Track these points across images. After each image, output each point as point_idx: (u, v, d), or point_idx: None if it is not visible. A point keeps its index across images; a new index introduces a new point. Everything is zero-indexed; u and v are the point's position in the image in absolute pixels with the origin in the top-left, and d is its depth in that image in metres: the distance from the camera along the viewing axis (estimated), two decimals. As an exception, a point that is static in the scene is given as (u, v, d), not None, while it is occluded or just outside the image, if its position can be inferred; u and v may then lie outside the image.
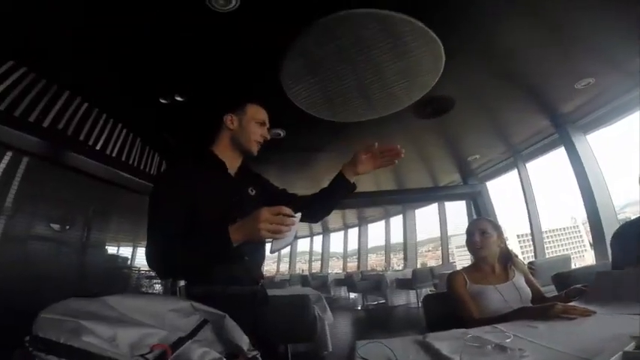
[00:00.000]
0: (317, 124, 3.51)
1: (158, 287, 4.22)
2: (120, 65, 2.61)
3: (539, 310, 1.19)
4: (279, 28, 2.29)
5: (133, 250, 4.11)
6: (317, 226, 11.32)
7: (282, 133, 3.90)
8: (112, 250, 3.86)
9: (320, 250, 11.87)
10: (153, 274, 4.04)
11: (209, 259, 1.03)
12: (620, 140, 4.20)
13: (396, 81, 2.82)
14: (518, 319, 1.15)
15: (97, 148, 3.21)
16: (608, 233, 3.57)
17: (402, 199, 6.98)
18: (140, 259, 4.05)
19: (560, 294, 1.56)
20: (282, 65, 2.61)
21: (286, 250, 11.66)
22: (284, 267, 12.66)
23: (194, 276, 1.09)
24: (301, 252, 12.77)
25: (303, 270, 12.15)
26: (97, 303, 0.66)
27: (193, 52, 2.49)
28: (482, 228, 1.65)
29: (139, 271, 4.11)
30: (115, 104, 3.22)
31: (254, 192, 1.29)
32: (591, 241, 3.82)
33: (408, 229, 8.59)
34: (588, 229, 3.85)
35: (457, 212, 7.16)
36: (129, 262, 4.05)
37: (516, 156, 5.16)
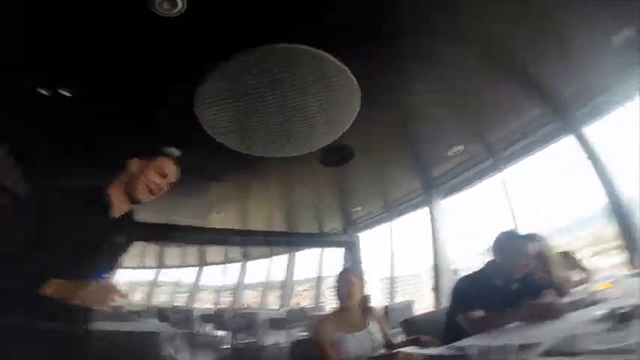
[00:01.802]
0: (220, 151, 3.28)
1: None
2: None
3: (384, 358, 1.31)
4: (223, 36, 2.19)
5: None
6: (192, 257, 10.21)
7: (177, 152, 3.46)
8: None
9: (189, 282, 10.57)
10: None
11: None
12: (469, 206, 5.28)
13: (316, 123, 2.91)
14: None
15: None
16: (445, 281, 4.45)
17: (288, 241, 7.09)
18: None
19: (402, 342, 1.77)
20: (203, 83, 2.45)
21: (142, 278, 10.07)
22: (139, 296, 10.69)
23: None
24: (165, 282, 11.05)
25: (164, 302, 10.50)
26: None
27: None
28: (350, 280, 1.76)
29: None
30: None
31: (124, 240, 1.29)
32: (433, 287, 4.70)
33: (289, 269, 8.65)
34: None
35: (334, 255, 7.63)
36: None
37: (391, 211, 5.99)
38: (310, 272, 8.38)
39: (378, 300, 5.94)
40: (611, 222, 3.14)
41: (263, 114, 2.78)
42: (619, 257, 3.05)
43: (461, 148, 4.06)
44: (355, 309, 1.74)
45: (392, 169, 4.64)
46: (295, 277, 8.63)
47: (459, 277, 2.05)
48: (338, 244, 6.81)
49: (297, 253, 8.78)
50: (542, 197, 4.24)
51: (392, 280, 5.70)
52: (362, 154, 3.83)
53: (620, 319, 1.00)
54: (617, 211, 3.09)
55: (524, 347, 0.97)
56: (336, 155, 3.74)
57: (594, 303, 1.37)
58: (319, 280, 8.03)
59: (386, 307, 3.48)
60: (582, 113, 3.56)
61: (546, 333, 1.10)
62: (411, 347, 1.38)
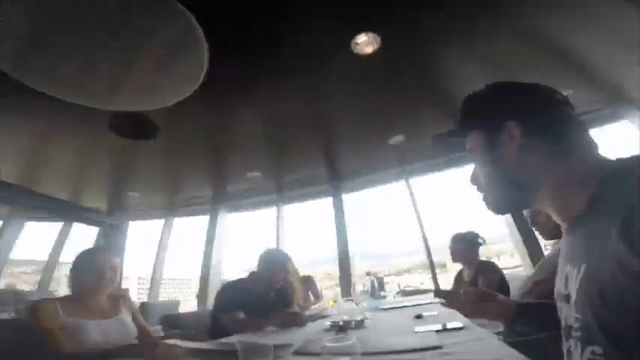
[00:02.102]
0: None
1: None
2: None
3: (144, 347, 1.25)
4: None
5: None
6: None
7: None
8: None
9: None
10: None
11: None
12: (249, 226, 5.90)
13: (134, 82, 2.36)
14: (124, 356, 1.15)
15: None
16: (212, 288, 4.55)
17: (15, 200, 4.84)
18: None
19: (165, 335, 1.72)
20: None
21: None
22: None
23: None
24: None
25: None
26: None
27: None
28: (113, 264, 1.58)
29: None
30: None
31: None
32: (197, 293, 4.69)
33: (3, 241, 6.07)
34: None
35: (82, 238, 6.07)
36: None
37: (170, 209, 5.61)
38: (40, 253, 6.15)
39: (135, 296, 5.24)
40: (339, 266, 4.40)
41: (73, 45, 2.08)
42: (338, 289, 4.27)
43: (259, 174, 4.53)
44: (103, 295, 1.54)
45: (190, 168, 4.43)
46: (16, 256, 5.97)
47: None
48: (96, 223, 5.48)
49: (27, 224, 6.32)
50: (301, 236, 5.56)
51: (154, 280, 5.18)
52: (165, 139, 3.42)
53: (339, 329, 1.48)
54: (342, 259, 4.40)
55: (278, 347, 1.15)
56: (136, 127, 3.17)
57: (323, 317, 1.90)
58: (53, 263, 5.99)
59: (143, 303, 3.16)
60: (346, 185, 4.96)
61: (294, 337, 1.42)
62: (175, 340, 1.35)
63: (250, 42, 2.37)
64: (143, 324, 1.66)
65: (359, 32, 2.35)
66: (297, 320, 1.72)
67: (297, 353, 1.12)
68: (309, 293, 3.01)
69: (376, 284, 2.29)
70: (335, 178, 4.88)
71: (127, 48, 2.15)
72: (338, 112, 3.39)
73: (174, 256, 5.68)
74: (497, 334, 1.41)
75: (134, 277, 5.91)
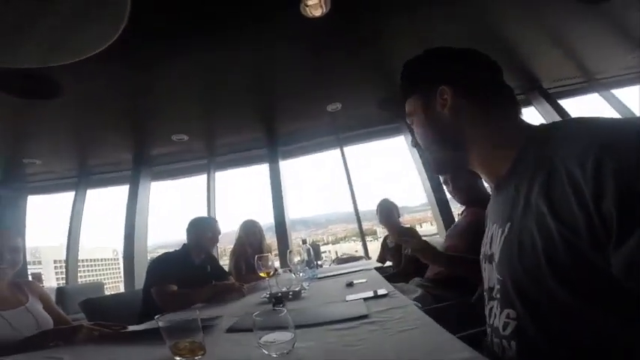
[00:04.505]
0: None
1: None
2: None
3: (63, 332, 1.14)
4: None
5: None
6: None
7: None
8: None
9: None
10: None
11: None
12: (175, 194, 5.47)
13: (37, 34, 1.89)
14: (38, 347, 1.01)
15: None
16: (137, 266, 4.20)
17: None
18: None
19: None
20: None
21: None
22: None
23: None
24: None
25: None
26: None
27: None
28: (14, 244, 1.40)
29: None
30: None
31: None
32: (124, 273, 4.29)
33: None
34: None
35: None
36: None
37: (81, 178, 4.96)
38: None
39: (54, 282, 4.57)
40: (276, 235, 4.41)
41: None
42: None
43: (185, 137, 4.18)
44: (3, 281, 1.37)
45: (104, 130, 3.86)
46: None
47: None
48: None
49: None
50: (236, 206, 5.38)
51: (70, 262, 4.56)
52: (72, 99, 2.96)
53: (275, 300, 1.51)
54: (280, 228, 4.43)
55: (206, 320, 1.13)
56: (32, 85, 2.68)
57: (262, 289, 1.94)
58: None
59: (60, 288, 2.82)
60: (282, 151, 4.88)
61: (230, 311, 1.41)
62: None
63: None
64: (59, 312, 1.50)
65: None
66: (234, 292, 1.72)
67: (230, 330, 1.09)
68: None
69: (312, 253, 2.36)
70: (272, 143, 4.75)
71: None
72: (279, 74, 3.25)
73: (92, 233, 5.09)
74: (415, 299, 1.59)
75: (49, 260, 5.17)
